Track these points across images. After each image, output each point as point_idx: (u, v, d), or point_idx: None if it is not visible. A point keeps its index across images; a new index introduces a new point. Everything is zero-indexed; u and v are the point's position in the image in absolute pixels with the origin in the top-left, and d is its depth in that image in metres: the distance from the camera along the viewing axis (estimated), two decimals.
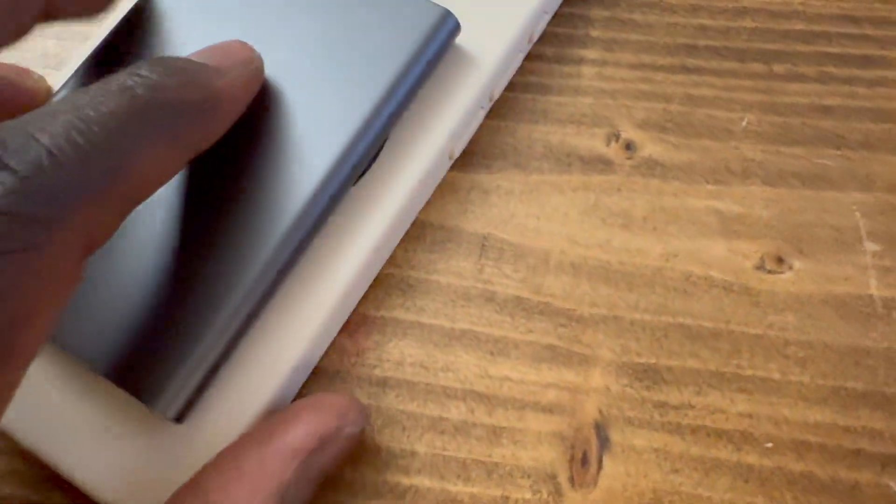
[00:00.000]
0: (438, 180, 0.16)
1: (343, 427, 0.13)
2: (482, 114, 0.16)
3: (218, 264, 0.13)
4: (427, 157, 0.15)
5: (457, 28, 0.15)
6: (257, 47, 0.14)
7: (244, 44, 0.13)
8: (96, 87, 0.10)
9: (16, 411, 0.14)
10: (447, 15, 0.15)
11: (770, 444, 0.14)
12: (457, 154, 0.16)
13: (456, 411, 0.15)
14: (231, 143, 0.14)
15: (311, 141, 0.14)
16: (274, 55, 0.15)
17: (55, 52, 0.19)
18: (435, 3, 0.15)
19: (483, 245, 0.16)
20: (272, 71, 0.15)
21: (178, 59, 0.11)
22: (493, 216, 0.16)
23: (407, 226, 0.16)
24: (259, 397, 0.14)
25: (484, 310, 0.15)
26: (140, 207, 0.14)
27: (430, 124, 0.15)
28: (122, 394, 0.14)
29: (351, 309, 0.15)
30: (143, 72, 0.11)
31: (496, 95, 0.17)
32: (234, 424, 0.13)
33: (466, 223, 0.16)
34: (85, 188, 0.09)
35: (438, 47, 0.15)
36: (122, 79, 0.10)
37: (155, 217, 0.14)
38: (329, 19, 0.15)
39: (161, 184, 0.11)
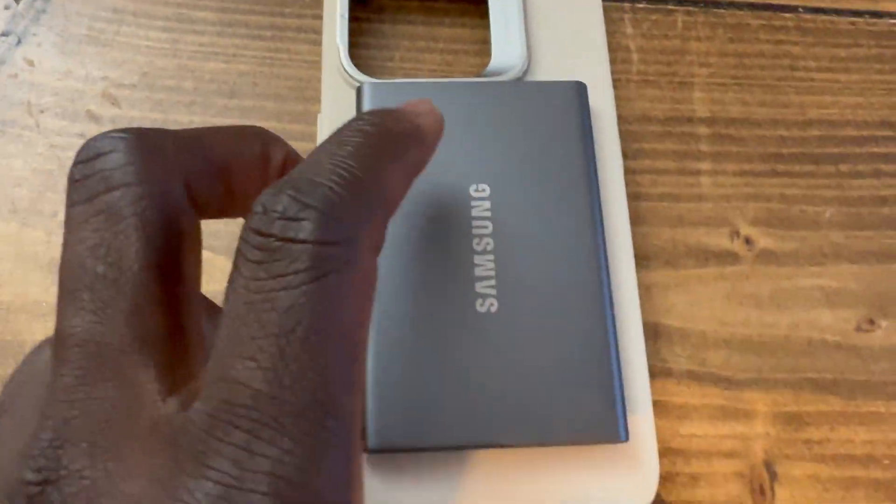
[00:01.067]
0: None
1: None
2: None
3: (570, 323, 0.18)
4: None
5: (587, 92, 0.20)
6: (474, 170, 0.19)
7: (425, 99, 0.16)
8: (335, 136, 0.13)
9: None
10: (581, 85, 0.20)
11: (887, 462, 0.19)
12: None
13: (661, 467, 0.19)
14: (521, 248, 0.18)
15: (568, 233, 0.18)
16: (491, 177, 0.19)
17: None
18: (569, 80, 0.20)
19: (655, 332, 0.20)
20: (503, 188, 0.19)
21: (384, 108, 0.14)
22: (660, 307, 0.20)
23: None
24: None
25: (666, 383, 0.20)
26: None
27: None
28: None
29: None
30: (365, 117, 0.13)
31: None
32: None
33: (644, 315, 0.20)
34: (364, 209, 0.12)
35: (588, 115, 0.20)
36: (351, 125, 0.13)
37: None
38: (507, 129, 0.19)
39: (402, 197, 0.14)
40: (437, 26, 0.23)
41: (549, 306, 0.18)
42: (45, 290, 0.20)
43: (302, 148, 0.14)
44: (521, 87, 0.20)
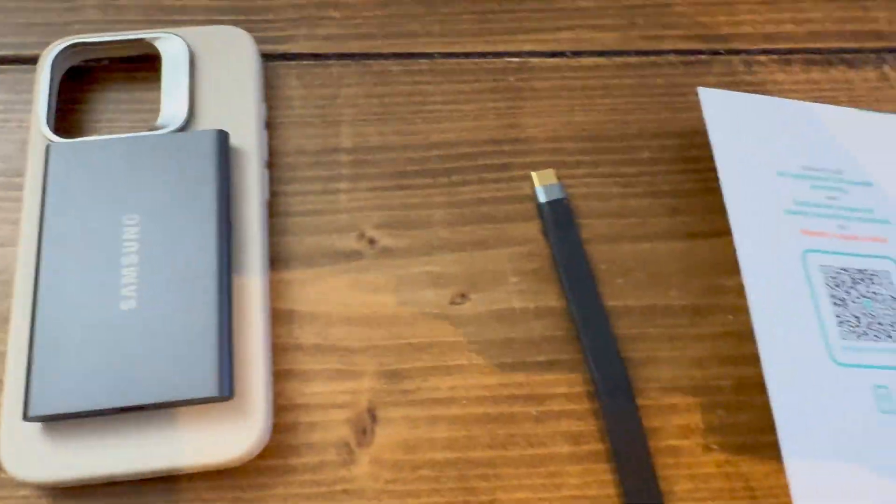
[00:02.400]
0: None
1: None
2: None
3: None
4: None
5: (228, 138, 0.26)
6: (120, 219, 0.24)
7: None
8: None
9: None
10: (222, 132, 0.26)
11: (465, 401, 0.25)
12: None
13: (286, 418, 0.25)
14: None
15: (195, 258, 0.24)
16: (141, 209, 0.25)
17: None
18: (211, 129, 0.26)
19: (290, 317, 0.26)
20: (146, 228, 0.25)
21: None
22: (296, 297, 0.26)
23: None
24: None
25: (297, 355, 0.26)
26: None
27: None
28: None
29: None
30: None
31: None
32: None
33: (279, 304, 0.26)
34: None
35: (227, 160, 0.26)
36: None
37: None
38: (159, 171, 0.25)
39: None
40: (139, 90, 0.29)
41: (177, 302, 0.24)
42: None
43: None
44: (173, 137, 0.26)
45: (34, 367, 0.23)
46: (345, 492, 0.24)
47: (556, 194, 0.28)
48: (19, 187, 0.27)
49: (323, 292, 0.27)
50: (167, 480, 0.24)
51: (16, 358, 0.24)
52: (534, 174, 0.28)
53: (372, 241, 0.27)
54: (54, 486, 0.23)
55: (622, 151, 0.29)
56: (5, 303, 0.26)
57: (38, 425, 0.23)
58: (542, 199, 0.28)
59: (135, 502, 0.23)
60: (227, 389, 0.23)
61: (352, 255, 0.27)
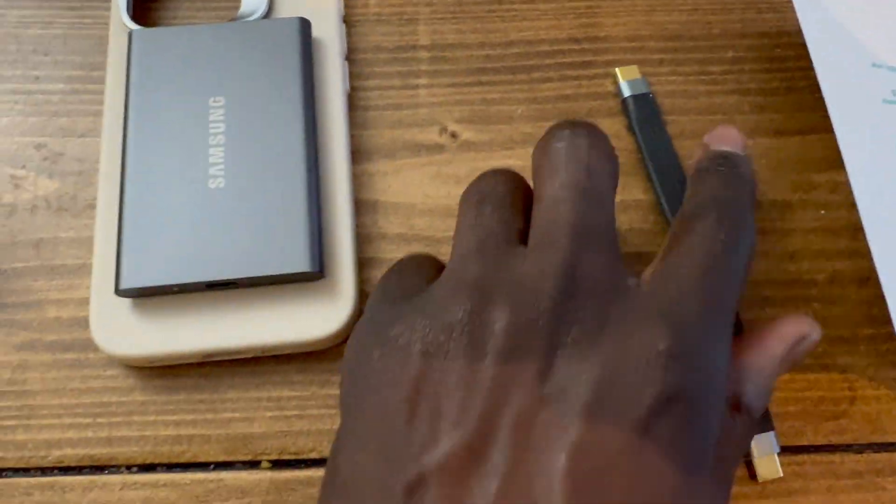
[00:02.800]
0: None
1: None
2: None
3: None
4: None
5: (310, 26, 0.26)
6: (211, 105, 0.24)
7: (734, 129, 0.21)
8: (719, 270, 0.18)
9: None
10: (304, 21, 0.25)
11: None
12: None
13: None
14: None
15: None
16: (227, 92, 0.24)
17: None
18: (293, 17, 0.25)
19: (374, 207, 0.26)
20: (237, 114, 0.24)
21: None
22: (379, 188, 0.26)
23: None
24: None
25: (381, 243, 0.25)
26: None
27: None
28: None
29: None
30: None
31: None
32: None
33: (363, 194, 0.26)
34: None
35: (309, 48, 0.25)
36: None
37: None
38: (245, 57, 0.25)
39: None
40: None
41: (265, 181, 0.23)
42: None
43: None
44: (256, 24, 0.26)
45: (125, 243, 0.23)
46: None
47: (641, 89, 0.27)
48: (98, 80, 0.27)
49: (405, 184, 0.26)
50: (256, 362, 0.23)
51: (103, 241, 0.24)
52: (617, 70, 0.27)
53: (454, 135, 0.27)
54: (142, 363, 0.23)
55: (706, 51, 0.29)
56: (90, 190, 0.26)
57: (128, 302, 0.23)
58: (627, 93, 0.27)
59: (223, 384, 0.23)
60: (318, 265, 0.23)
61: (433, 149, 0.27)
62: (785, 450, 0.23)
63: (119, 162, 0.24)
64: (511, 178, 0.20)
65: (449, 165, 0.26)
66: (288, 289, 0.23)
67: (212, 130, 0.24)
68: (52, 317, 0.24)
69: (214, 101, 0.24)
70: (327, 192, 0.25)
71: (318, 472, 0.23)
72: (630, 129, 0.27)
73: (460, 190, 0.26)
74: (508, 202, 0.19)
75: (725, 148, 0.20)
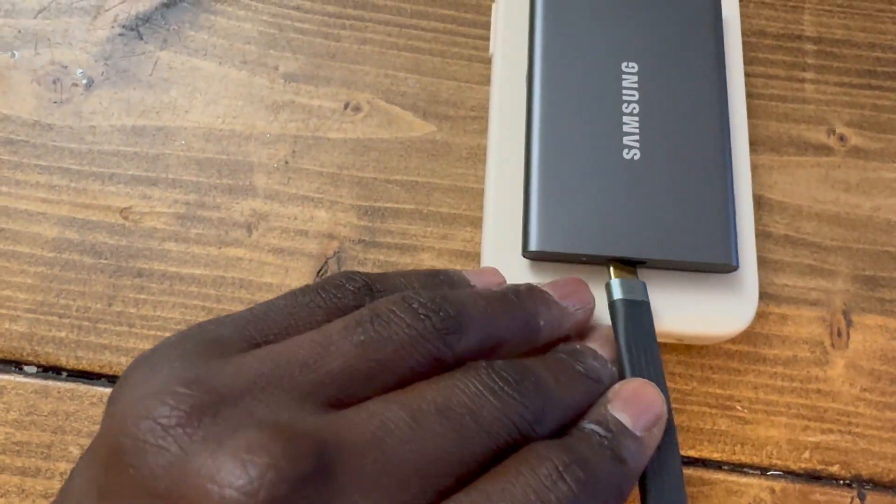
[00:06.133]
0: None
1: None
2: None
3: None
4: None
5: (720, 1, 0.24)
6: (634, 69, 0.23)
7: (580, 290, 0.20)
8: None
9: None
10: None
11: None
12: None
13: (757, 306, 0.23)
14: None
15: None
16: (640, 58, 0.23)
17: None
18: None
19: (759, 202, 0.24)
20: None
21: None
22: (763, 183, 0.25)
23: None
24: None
25: (766, 243, 0.24)
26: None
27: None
28: None
29: None
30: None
31: None
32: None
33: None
34: None
35: (721, 20, 0.24)
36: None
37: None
38: (658, 22, 0.23)
39: None
40: None
41: (682, 159, 0.22)
42: (269, 124, 0.25)
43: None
44: None
45: (537, 205, 0.22)
46: (818, 391, 0.22)
47: None
48: (475, 24, 0.26)
49: (790, 182, 0.25)
50: None
51: (496, 196, 0.23)
52: None
53: (842, 138, 0.25)
54: None
55: None
56: (465, 139, 0.25)
57: (525, 263, 0.22)
58: None
59: None
60: (736, 259, 0.21)
61: (821, 150, 0.25)
62: None
63: (516, 118, 0.23)
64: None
65: (837, 170, 0.25)
66: (695, 278, 0.22)
67: (625, 98, 0.23)
68: (427, 266, 0.23)
69: (627, 67, 0.23)
70: (734, 180, 0.23)
71: None
72: None
73: (850, 199, 0.24)
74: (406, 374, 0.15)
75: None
